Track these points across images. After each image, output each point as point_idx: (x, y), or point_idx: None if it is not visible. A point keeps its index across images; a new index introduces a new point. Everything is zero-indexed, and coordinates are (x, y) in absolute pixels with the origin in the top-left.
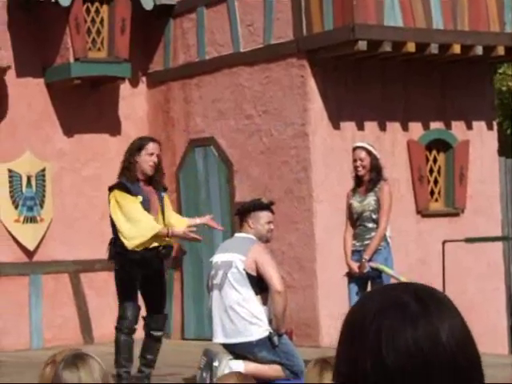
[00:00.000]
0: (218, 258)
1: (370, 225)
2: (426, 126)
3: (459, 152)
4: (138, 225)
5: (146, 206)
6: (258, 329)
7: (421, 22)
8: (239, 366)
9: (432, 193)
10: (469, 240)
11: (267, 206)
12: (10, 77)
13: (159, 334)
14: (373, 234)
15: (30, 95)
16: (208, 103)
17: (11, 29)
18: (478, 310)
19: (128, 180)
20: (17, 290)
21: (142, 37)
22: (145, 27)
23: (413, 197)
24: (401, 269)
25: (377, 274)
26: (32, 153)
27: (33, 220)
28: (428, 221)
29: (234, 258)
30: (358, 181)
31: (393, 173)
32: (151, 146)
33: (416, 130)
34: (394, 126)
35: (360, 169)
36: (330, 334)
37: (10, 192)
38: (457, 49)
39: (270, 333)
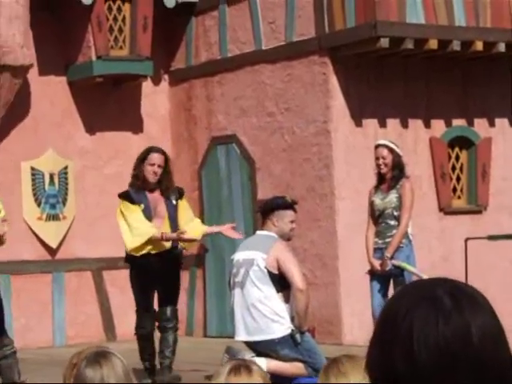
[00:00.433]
0: (239, 255)
1: (392, 222)
2: (448, 123)
3: (482, 149)
4: (135, 231)
5: (148, 213)
6: (280, 326)
7: (443, 18)
8: (261, 363)
9: (454, 190)
10: (491, 237)
11: (291, 205)
12: (33, 75)
13: (169, 325)
14: (394, 231)
15: (52, 93)
16: (230, 101)
17: (34, 27)
18: (501, 308)
19: (134, 188)
20: (40, 287)
21: (164, 35)
22: (167, 25)
23: (435, 194)
24: (423, 266)
25: (399, 271)
26: (54, 151)
27: (55, 218)
28: (450, 218)
29: (255, 255)
30: (381, 178)
31: (415, 170)
32: (152, 157)
33: (438, 127)
34: (416, 124)
35: (382, 167)
36: (352, 331)
37: (33, 190)
38: (479, 46)
39: (293, 330)
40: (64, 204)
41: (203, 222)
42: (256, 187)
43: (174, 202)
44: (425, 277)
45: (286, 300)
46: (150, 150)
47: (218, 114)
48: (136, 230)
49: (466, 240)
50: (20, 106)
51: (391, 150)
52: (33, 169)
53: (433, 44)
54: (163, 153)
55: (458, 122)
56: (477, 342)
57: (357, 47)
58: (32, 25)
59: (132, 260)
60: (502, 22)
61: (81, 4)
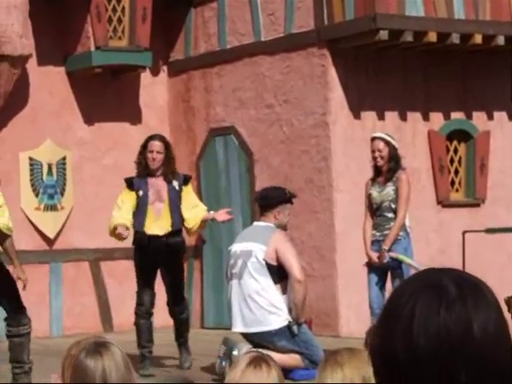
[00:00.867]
0: (237, 247)
1: (390, 215)
2: (446, 116)
3: (480, 142)
4: (111, 218)
5: (145, 199)
6: (277, 318)
7: (442, 11)
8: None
9: (452, 183)
10: (489, 230)
11: (292, 198)
12: (32, 65)
13: (181, 316)
14: (392, 223)
15: (50, 84)
16: (229, 92)
17: (32, 17)
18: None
19: (138, 174)
20: (37, 277)
21: (163, 26)
22: (166, 16)
23: (433, 187)
24: (421, 259)
25: (396, 264)
26: (53, 141)
27: (53, 208)
28: (448, 211)
29: (253, 247)
30: (377, 171)
31: (413, 163)
32: (151, 144)
33: (437, 120)
34: (414, 116)
35: (378, 159)
36: (349, 323)
37: (31, 180)
38: (478, 39)
39: (290, 322)
40: (62, 194)
41: None
42: (254, 179)
43: (178, 187)
44: (422, 269)
45: (283, 291)
46: (150, 138)
47: (217, 106)
48: (112, 217)
49: (464, 233)
50: (18, 96)
51: (387, 143)
52: (31, 159)
53: (432, 37)
54: (163, 140)
55: (456, 115)
56: (477, 334)
57: (356, 39)
58: (31, 15)
59: (136, 240)
60: (501, 15)
61: None
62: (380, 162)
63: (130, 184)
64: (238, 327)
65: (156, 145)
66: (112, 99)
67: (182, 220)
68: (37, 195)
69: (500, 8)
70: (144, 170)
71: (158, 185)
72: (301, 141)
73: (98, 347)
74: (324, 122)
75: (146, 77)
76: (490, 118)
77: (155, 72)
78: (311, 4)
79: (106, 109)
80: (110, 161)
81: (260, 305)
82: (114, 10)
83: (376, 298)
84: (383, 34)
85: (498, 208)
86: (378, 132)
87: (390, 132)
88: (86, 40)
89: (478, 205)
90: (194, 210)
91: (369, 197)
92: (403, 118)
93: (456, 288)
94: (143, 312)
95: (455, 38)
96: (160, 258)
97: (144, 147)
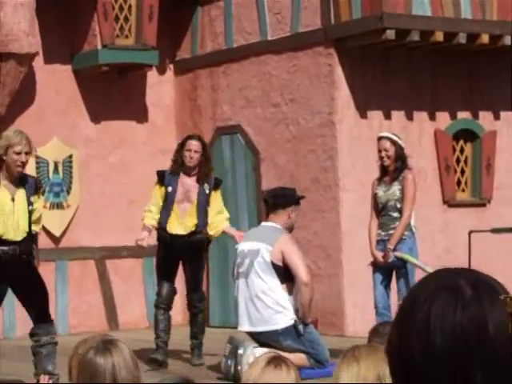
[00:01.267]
0: (244, 246)
1: (395, 214)
2: (453, 116)
3: (486, 142)
4: (145, 212)
5: (172, 196)
6: (283, 317)
7: (449, 11)
8: (262, 355)
9: (459, 183)
10: (495, 230)
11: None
12: (38, 63)
13: (194, 310)
14: (397, 223)
15: (57, 82)
16: (235, 91)
17: (39, 15)
18: None
19: (171, 170)
20: (43, 275)
21: (170, 24)
22: (172, 15)
23: (439, 187)
24: (427, 258)
25: (401, 263)
26: (59, 139)
27: (59, 206)
28: (454, 211)
29: (260, 247)
30: (384, 171)
31: (419, 162)
32: (189, 143)
33: (443, 119)
34: (421, 116)
35: (385, 159)
36: (354, 322)
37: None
38: (485, 39)
39: (296, 321)
40: (68, 192)
41: None
42: (260, 178)
43: (208, 191)
44: (427, 268)
45: (290, 292)
46: (188, 137)
47: (223, 105)
48: (145, 211)
49: (470, 233)
50: (25, 94)
51: (394, 143)
52: (37, 157)
53: (439, 36)
54: (200, 140)
55: (462, 115)
56: (493, 333)
57: (363, 39)
58: (38, 13)
59: (159, 238)
60: (508, 15)
61: None
62: (386, 162)
63: (162, 177)
64: (244, 326)
65: (194, 144)
66: (118, 97)
67: (207, 222)
68: (43, 193)
69: (507, 8)
70: (179, 167)
71: (188, 184)
72: (307, 140)
73: (107, 345)
74: (330, 122)
75: (152, 75)
76: (497, 117)
77: (162, 71)
78: (318, 3)
79: (113, 107)
80: (116, 159)
81: (266, 304)
82: (121, 8)
83: (381, 298)
84: (390, 34)
85: (504, 208)
86: (384, 131)
87: (397, 131)
88: (93, 38)
89: (484, 205)
90: (217, 217)
91: (374, 196)
92: (409, 117)
93: (471, 289)
94: (160, 303)
95: (462, 38)
96: (182, 254)
97: (181, 146)
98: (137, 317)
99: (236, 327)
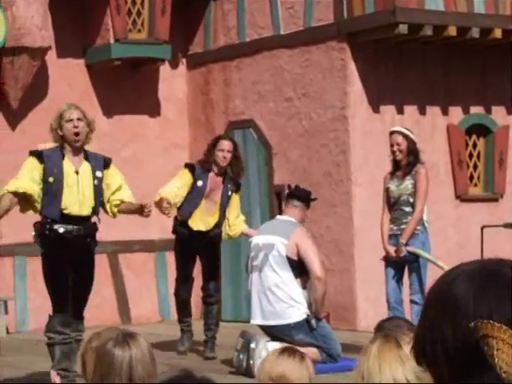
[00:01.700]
0: (258, 239)
1: (407, 209)
2: (465, 111)
3: (499, 137)
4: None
5: (202, 191)
6: (296, 311)
7: (462, 5)
8: (276, 347)
9: (471, 178)
10: (507, 225)
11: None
12: (51, 57)
13: (210, 299)
14: (410, 217)
15: (70, 76)
16: (248, 85)
17: (52, 9)
18: None
19: (201, 166)
20: None
21: (183, 18)
22: (185, 9)
23: (452, 181)
24: (439, 253)
25: (414, 257)
26: None
27: None
28: (467, 206)
29: (275, 240)
30: (396, 165)
31: (432, 157)
32: (222, 143)
33: (456, 114)
34: (433, 110)
35: (397, 153)
36: (366, 317)
37: None
38: (498, 33)
39: (308, 315)
40: None
41: None
42: (273, 172)
43: (230, 192)
44: (440, 263)
45: (303, 286)
46: (219, 138)
47: (236, 99)
48: (162, 189)
49: (482, 228)
50: (38, 89)
51: (406, 137)
52: None
53: (452, 31)
54: (231, 140)
55: (475, 110)
56: None
57: (375, 33)
58: (50, 7)
59: (178, 231)
60: None
61: None
62: (399, 156)
63: (192, 169)
64: (257, 319)
65: (226, 144)
66: (131, 92)
67: (223, 220)
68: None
69: None
70: (212, 167)
71: (215, 183)
72: (320, 134)
73: (127, 338)
74: (343, 116)
75: (165, 69)
76: (510, 112)
77: (174, 65)
78: None
79: (125, 101)
80: (129, 153)
81: (279, 298)
82: (134, 2)
83: (393, 292)
84: (403, 28)
85: None
86: (396, 126)
87: (409, 126)
88: (106, 32)
89: (496, 199)
90: (237, 220)
91: (387, 190)
92: (422, 112)
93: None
94: (180, 299)
95: (475, 33)
96: (200, 248)
97: (213, 146)
98: (149, 311)
99: (248, 321)
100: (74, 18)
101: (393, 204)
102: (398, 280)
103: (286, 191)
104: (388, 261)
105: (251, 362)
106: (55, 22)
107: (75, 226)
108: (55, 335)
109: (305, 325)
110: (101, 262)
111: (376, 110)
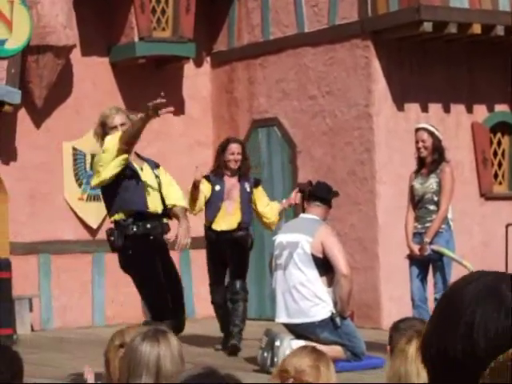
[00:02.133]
0: (282, 237)
1: (432, 207)
2: (490, 109)
3: None
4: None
5: (221, 195)
6: (320, 310)
7: (487, 3)
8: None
9: (496, 176)
10: None
11: None
12: (75, 56)
13: (238, 296)
14: (434, 216)
15: (94, 74)
16: (272, 83)
17: (76, 8)
18: None
19: (214, 173)
20: (80, 267)
21: (207, 16)
22: (209, 7)
23: (476, 180)
24: (463, 251)
25: (438, 256)
26: None
27: (96, 198)
28: (491, 204)
29: (300, 238)
30: (421, 163)
31: (456, 155)
32: (231, 147)
33: (480, 112)
34: (458, 108)
35: (422, 150)
36: (390, 315)
37: (74, 170)
38: None
39: (333, 313)
40: None
41: None
42: (297, 170)
43: (249, 189)
44: (464, 262)
45: (329, 284)
46: (228, 141)
47: (260, 97)
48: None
49: (507, 226)
50: (62, 87)
51: (431, 134)
52: (74, 149)
53: (476, 29)
54: (240, 142)
55: (500, 108)
56: None
57: (399, 31)
58: (75, 5)
59: (206, 235)
60: None
61: None
62: (423, 153)
63: (207, 178)
64: (282, 318)
65: (236, 147)
66: (155, 90)
67: (251, 219)
68: (80, 185)
69: None
70: (224, 170)
71: (231, 184)
72: (344, 132)
73: (157, 334)
74: (367, 114)
75: (189, 68)
76: None
77: (199, 63)
78: None
79: (150, 99)
80: (153, 151)
81: (304, 296)
82: (158, 0)
83: (417, 291)
84: (427, 26)
85: None
86: (420, 123)
87: (434, 124)
88: (130, 31)
89: None
90: (267, 208)
91: (411, 189)
92: (447, 110)
93: None
94: (216, 306)
95: (500, 30)
96: (228, 251)
97: (223, 150)
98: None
99: (272, 319)
100: (98, 17)
101: (417, 202)
102: (423, 278)
103: (308, 188)
104: (412, 259)
105: (275, 360)
106: (80, 21)
107: (155, 224)
108: None
109: (329, 323)
110: None
111: (400, 108)
